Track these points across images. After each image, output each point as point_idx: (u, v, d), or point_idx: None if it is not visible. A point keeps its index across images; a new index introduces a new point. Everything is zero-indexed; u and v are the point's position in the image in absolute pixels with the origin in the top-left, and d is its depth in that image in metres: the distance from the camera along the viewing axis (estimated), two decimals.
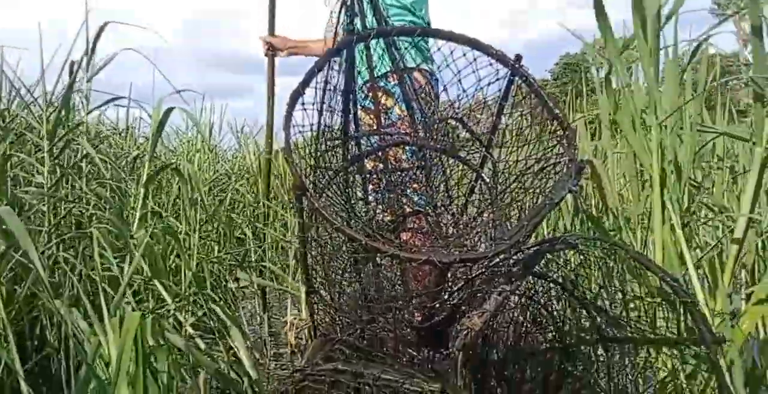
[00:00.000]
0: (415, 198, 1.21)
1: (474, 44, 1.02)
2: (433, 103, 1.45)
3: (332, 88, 1.03)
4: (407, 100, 1.27)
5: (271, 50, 2.11)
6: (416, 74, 1.57)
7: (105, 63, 2.05)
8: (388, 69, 1.27)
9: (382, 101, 1.45)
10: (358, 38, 1.00)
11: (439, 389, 0.76)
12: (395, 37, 1.16)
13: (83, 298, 1.19)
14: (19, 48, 2.06)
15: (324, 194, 1.00)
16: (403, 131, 1.31)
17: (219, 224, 1.99)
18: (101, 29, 1.94)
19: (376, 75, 1.26)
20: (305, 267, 0.98)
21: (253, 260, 2.11)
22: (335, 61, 1.03)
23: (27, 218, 1.66)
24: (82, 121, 1.95)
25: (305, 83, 0.96)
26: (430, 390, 0.76)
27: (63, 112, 1.88)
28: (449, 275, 0.84)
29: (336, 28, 1.15)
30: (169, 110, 1.71)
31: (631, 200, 1.11)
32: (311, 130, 1.01)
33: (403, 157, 1.28)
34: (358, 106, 1.19)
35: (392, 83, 1.37)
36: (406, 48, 1.25)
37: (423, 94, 1.48)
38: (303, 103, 0.96)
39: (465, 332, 0.80)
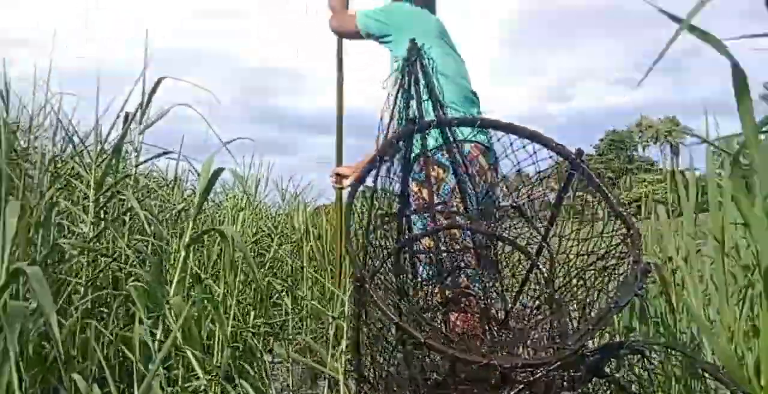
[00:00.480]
0: (467, 280, 1.23)
1: (535, 137, 1.09)
2: (488, 177, 1.48)
3: (391, 173, 1.10)
4: (459, 174, 1.32)
5: (340, 182, 2.07)
6: (470, 147, 1.58)
7: (158, 118, 2.18)
8: (441, 142, 1.31)
9: (434, 175, 1.48)
10: (419, 129, 1.07)
11: None
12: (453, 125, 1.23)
13: (109, 378, 1.21)
14: (75, 95, 2.23)
15: (377, 276, 1.03)
16: (454, 207, 1.34)
17: (257, 289, 2.02)
18: (157, 84, 2.09)
19: (428, 147, 1.31)
20: (356, 354, 0.99)
21: (290, 328, 2.12)
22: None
23: (67, 269, 1.73)
24: (129, 173, 2.07)
25: (366, 173, 1.02)
26: None
27: (113, 162, 2.00)
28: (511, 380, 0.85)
29: (392, 111, 1.23)
30: (218, 171, 1.71)
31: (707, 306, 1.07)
32: (368, 212, 1.07)
33: (458, 233, 1.30)
34: (410, 180, 1.25)
35: (445, 157, 1.40)
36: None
37: (477, 168, 1.52)
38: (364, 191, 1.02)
39: None
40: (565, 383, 0.85)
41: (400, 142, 1.10)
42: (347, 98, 2.24)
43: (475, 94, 1.99)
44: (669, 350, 0.88)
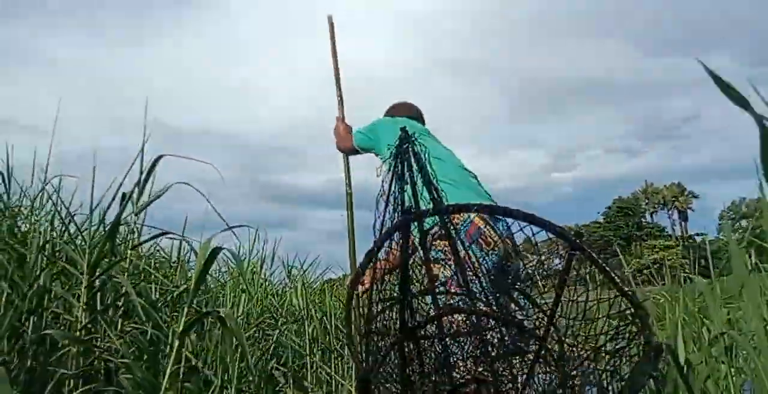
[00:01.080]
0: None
1: (532, 220, 1.17)
2: (500, 247, 1.56)
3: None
4: (459, 250, 1.39)
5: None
6: (475, 218, 1.65)
7: (155, 197, 2.25)
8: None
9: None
10: (415, 217, 1.16)
11: None
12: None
13: None
14: (73, 176, 2.32)
15: (382, 369, 1.07)
16: (455, 290, 1.40)
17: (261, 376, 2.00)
18: (155, 163, 2.16)
19: (426, 227, 1.40)
20: None
21: None
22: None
23: (57, 359, 1.73)
24: (123, 257, 2.12)
25: (365, 265, 1.10)
26: None
27: (107, 246, 2.05)
28: None
29: (387, 197, 1.33)
30: (216, 251, 1.78)
31: None
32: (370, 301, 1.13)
33: (460, 318, 1.35)
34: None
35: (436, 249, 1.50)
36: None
37: (483, 237, 1.59)
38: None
39: None
40: None
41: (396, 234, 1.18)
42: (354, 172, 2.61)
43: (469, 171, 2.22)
44: None
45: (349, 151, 2.58)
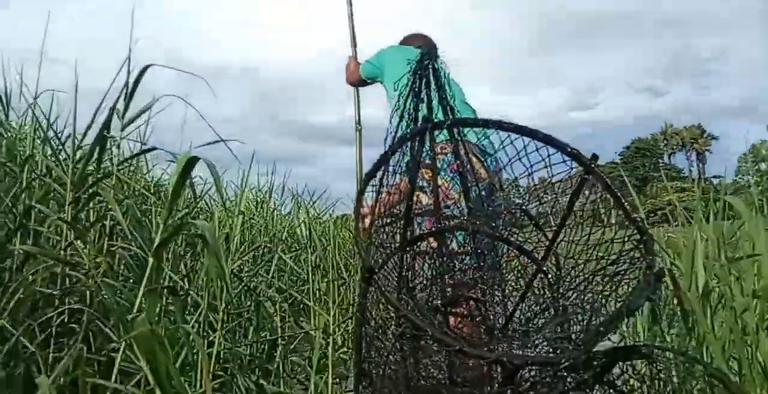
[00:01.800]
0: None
1: (549, 141, 1.19)
2: (486, 178, 1.62)
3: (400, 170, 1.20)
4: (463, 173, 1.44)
5: None
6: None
7: (143, 110, 2.24)
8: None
9: (427, 177, 1.63)
10: (434, 126, 1.18)
11: None
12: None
13: None
14: (63, 92, 2.29)
15: (380, 273, 1.13)
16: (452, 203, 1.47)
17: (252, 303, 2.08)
18: (142, 72, 2.12)
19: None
20: (358, 349, 1.09)
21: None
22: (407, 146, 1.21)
23: (42, 280, 1.79)
24: (109, 173, 2.14)
25: (377, 167, 1.13)
26: None
27: (93, 160, 2.06)
28: (516, 378, 0.94)
29: (402, 112, 1.34)
30: (193, 161, 1.59)
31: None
32: (376, 211, 1.17)
33: (455, 241, 1.42)
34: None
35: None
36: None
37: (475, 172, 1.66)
38: (374, 185, 1.12)
39: None
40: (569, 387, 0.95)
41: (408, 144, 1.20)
42: (367, 109, 2.94)
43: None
44: (676, 356, 0.98)
45: (357, 83, 2.88)
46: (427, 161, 1.58)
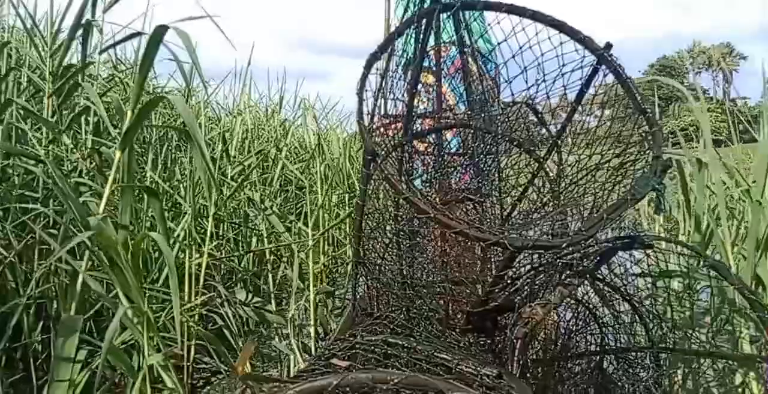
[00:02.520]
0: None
1: (561, 27, 1.19)
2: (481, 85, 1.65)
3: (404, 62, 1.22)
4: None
5: None
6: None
7: None
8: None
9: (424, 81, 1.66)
10: (444, 7, 1.17)
11: (494, 374, 0.93)
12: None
13: None
14: None
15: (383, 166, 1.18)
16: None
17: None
18: None
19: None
20: (358, 236, 1.16)
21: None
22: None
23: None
24: (91, 62, 2.11)
25: (383, 48, 1.14)
26: (484, 374, 0.93)
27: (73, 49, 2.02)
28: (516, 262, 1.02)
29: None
30: (161, 30, 1.49)
31: None
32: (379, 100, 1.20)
33: (453, 143, 1.47)
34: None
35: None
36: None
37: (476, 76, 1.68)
38: (378, 69, 1.14)
39: (527, 321, 0.97)
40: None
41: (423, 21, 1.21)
42: None
43: None
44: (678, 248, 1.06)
45: None
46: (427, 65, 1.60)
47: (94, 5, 1.86)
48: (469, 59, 1.79)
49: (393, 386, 0.80)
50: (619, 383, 1.16)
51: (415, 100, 1.45)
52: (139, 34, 1.82)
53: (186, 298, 2.12)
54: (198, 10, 1.69)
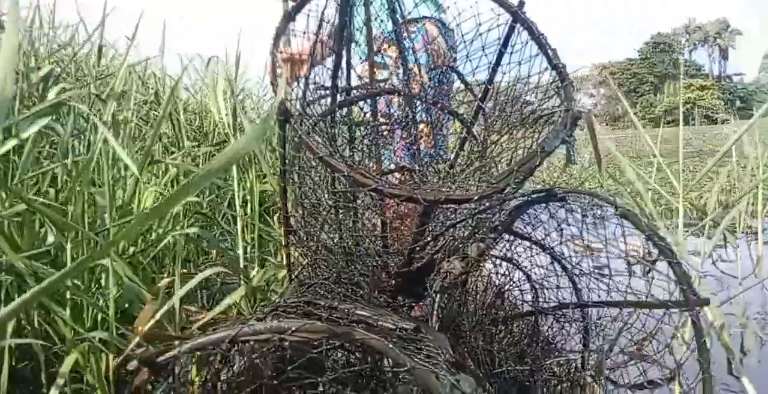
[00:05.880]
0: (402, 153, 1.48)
1: None
2: (444, 57, 1.75)
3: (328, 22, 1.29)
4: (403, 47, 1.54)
5: None
6: (429, 25, 1.85)
7: None
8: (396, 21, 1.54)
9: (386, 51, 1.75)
10: None
11: (412, 327, 1.00)
12: None
13: None
14: None
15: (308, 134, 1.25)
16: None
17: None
18: None
19: (381, 28, 1.54)
20: (284, 205, 1.23)
21: None
22: None
23: None
24: None
25: (299, 7, 1.21)
26: (403, 327, 1.01)
27: None
28: (432, 218, 1.10)
29: None
30: None
31: None
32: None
33: (393, 110, 1.55)
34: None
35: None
36: None
37: (436, 47, 1.78)
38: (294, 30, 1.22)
39: (444, 275, 1.06)
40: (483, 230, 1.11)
41: None
42: None
43: None
44: (589, 199, 1.14)
45: None
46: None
47: None
48: (433, 31, 1.88)
49: (300, 338, 0.87)
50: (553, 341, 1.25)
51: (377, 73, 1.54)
52: None
53: None
54: None
